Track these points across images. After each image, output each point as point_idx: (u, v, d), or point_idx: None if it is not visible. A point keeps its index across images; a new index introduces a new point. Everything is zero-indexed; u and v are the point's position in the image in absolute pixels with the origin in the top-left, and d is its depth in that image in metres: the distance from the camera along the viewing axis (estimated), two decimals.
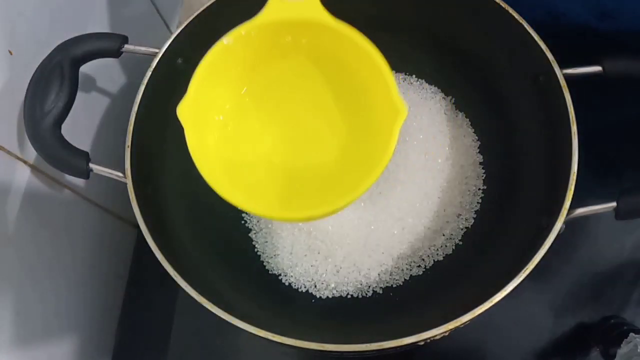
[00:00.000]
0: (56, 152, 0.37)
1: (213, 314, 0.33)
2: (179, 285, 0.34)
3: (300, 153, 0.38)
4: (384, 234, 0.45)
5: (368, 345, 0.31)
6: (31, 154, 0.39)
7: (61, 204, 0.44)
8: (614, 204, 0.35)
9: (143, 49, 0.41)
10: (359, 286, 0.44)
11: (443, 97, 0.49)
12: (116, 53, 0.41)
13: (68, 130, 0.38)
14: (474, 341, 0.46)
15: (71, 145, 0.38)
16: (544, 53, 0.38)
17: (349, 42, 0.33)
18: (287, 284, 0.45)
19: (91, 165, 0.38)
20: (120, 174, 0.38)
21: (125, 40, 0.41)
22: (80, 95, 0.39)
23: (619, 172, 0.50)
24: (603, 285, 0.47)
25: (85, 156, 0.38)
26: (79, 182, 0.45)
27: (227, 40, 0.34)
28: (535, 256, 0.33)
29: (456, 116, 0.49)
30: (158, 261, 0.35)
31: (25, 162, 0.39)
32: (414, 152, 0.47)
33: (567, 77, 0.37)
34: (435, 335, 0.32)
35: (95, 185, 0.47)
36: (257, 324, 0.33)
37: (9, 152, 0.37)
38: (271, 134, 0.38)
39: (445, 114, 0.48)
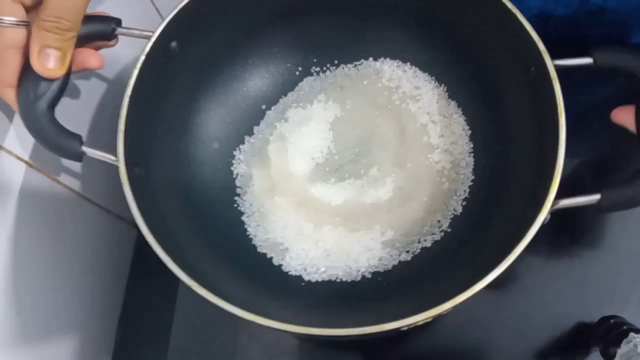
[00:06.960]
0: (49, 135, 0.37)
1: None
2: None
3: None
4: (372, 219, 0.45)
5: (350, 330, 0.31)
6: (30, 153, 0.39)
7: (60, 203, 0.43)
8: (598, 196, 0.35)
9: (137, 31, 0.41)
10: (348, 270, 0.44)
11: (436, 86, 0.49)
12: (110, 35, 0.41)
13: (62, 115, 0.38)
14: (474, 341, 0.46)
15: (64, 128, 0.38)
16: (535, 44, 0.38)
17: None
18: (278, 266, 0.45)
19: (84, 148, 0.38)
20: (113, 157, 0.38)
21: (118, 22, 0.41)
22: (73, 80, 0.39)
23: (608, 164, 0.50)
24: (602, 285, 0.47)
25: (78, 138, 0.38)
26: (78, 181, 0.45)
27: None
28: (517, 247, 0.33)
29: (448, 105, 0.49)
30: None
31: (24, 161, 0.39)
32: (403, 139, 0.47)
33: (558, 69, 0.37)
34: (417, 322, 0.32)
35: (95, 185, 0.47)
36: (245, 307, 0.33)
37: (8, 152, 0.38)
38: None
39: (437, 102, 0.49)
